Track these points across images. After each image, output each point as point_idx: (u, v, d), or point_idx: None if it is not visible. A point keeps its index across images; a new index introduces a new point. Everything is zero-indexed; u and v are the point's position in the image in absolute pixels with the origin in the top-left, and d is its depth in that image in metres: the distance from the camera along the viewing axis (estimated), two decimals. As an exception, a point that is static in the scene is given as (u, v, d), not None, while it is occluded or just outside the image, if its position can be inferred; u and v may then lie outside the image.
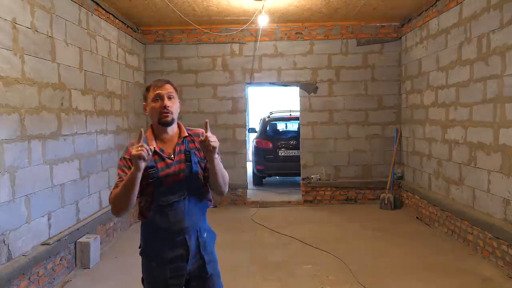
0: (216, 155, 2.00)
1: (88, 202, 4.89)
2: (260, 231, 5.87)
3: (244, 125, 7.58)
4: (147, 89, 2.11)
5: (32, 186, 3.75)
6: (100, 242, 4.79)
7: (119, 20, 6.09)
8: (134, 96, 6.75)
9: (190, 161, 2.08)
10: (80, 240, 4.47)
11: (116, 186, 1.95)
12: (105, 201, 5.40)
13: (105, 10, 5.56)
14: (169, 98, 2.07)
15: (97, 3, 5.27)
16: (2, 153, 3.34)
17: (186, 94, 7.39)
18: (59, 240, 4.07)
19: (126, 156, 2.01)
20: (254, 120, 12.44)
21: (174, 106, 2.08)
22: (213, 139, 1.93)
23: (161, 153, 2.06)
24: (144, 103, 2.14)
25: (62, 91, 4.35)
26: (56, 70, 4.23)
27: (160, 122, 2.06)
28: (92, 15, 5.15)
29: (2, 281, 3.16)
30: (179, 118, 2.18)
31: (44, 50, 4.00)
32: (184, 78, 7.41)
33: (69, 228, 4.37)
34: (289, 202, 7.51)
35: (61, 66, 4.33)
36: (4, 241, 3.34)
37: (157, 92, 2.05)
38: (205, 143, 1.91)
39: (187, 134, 2.15)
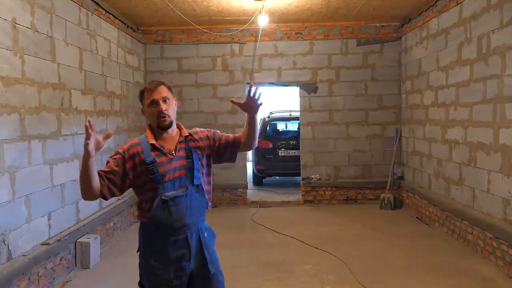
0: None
1: (88, 202, 4.89)
2: (260, 231, 5.87)
3: (244, 125, 7.57)
4: (142, 93, 2.14)
5: (32, 186, 3.75)
6: (100, 242, 4.79)
7: (119, 20, 6.09)
8: (134, 96, 6.74)
9: (192, 158, 2.11)
10: (80, 240, 4.47)
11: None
12: (105, 201, 5.40)
13: (105, 10, 5.56)
14: (164, 101, 2.09)
15: (97, 3, 5.27)
16: (2, 153, 3.34)
17: (186, 94, 7.39)
18: (59, 240, 4.07)
19: (118, 152, 2.10)
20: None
21: (170, 109, 2.12)
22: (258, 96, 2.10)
23: (161, 148, 2.09)
24: (141, 107, 2.17)
25: (62, 91, 4.35)
26: (56, 70, 4.23)
27: (159, 126, 2.10)
28: (92, 15, 5.15)
29: (2, 281, 3.16)
30: (179, 119, 2.20)
31: (44, 50, 4.00)
32: (184, 78, 7.41)
33: (69, 228, 4.37)
34: (289, 202, 7.51)
35: (61, 66, 4.33)
36: (4, 241, 3.34)
37: (152, 98, 2.08)
38: (254, 97, 2.10)
39: (187, 134, 2.19)
